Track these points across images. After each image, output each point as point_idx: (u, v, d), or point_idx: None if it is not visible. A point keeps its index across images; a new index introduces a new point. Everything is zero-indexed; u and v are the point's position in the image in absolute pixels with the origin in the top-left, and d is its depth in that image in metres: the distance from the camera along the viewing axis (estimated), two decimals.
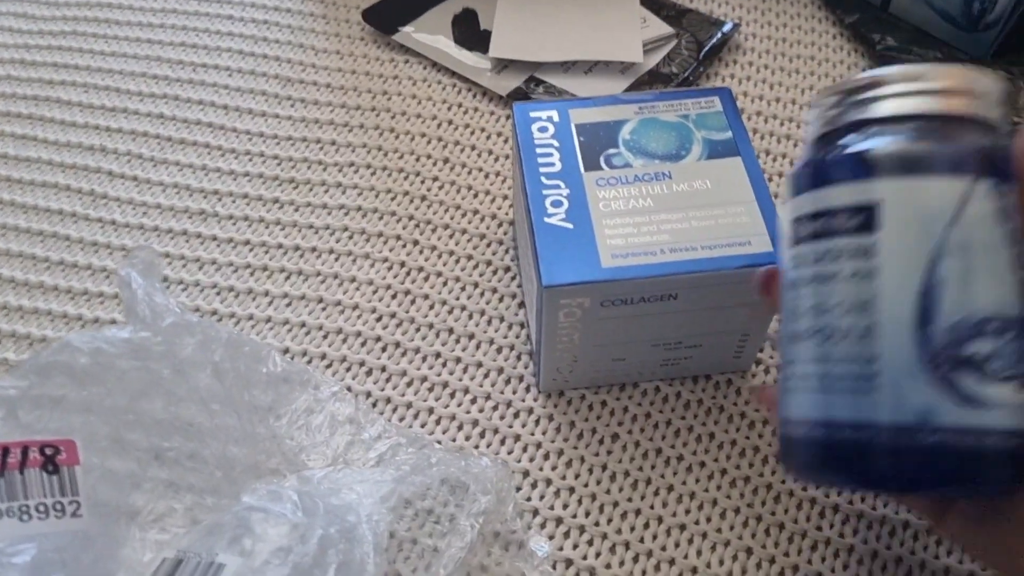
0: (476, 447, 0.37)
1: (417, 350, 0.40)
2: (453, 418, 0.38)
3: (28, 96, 0.51)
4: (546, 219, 0.33)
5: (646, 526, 0.35)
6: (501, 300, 0.41)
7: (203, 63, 0.52)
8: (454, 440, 0.37)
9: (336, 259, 0.43)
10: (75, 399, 0.31)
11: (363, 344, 0.40)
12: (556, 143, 0.36)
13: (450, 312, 0.41)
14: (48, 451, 0.29)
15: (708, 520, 0.35)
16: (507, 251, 0.43)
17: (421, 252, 0.43)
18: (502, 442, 0.37)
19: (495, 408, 0.38)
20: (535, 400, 0.38)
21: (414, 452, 0.35)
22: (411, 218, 0.44)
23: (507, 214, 0.44)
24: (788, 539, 0.34)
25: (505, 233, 0.44)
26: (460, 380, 0.39)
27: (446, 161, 0.47)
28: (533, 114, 0.37)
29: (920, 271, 0.21)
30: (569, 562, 0.34)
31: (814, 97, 0.25)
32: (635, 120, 0.36)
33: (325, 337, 0.40)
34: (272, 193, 0.46)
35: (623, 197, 0.34)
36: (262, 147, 0.48)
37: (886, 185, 0.22)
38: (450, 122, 0.49)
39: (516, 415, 0.38)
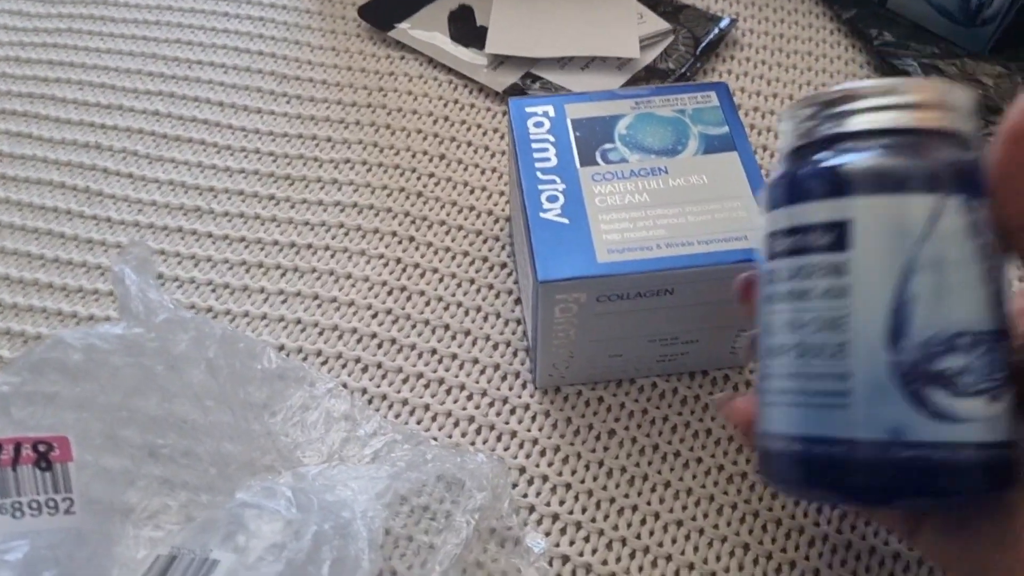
0: (472, 443, 0.37)
1: (413, 346, 0.39)
2: (449, 415, 0.37)
3: (23, 93, 0.51)
4: (541, 214, 0.33)
5: (643, 522, 0.35)
6: (497, 296, 0.41)
7: (198, 60, 0.52)
8: (450, 436, 0.37)
9: (332, 256, 0.43)
10: (68, 396, 0.30)
11: (359, 341, 0.40)
12: (552, 138, 0.35)
13: (446, 308, 0.41)
14: (41, 448, 0.29)
15: (705, 516, 0.35)
16: (503, 247, 0.43)
17: (417, 248, 0.43)
18: (498, 438, 0.37)
19: (491, 404, 0.38)
20: (531, 396, 0.38)
21: (410, 448, 0.34)
22: (407, 214, 0.44)
23: (503, 210, 0.44)
24: (785, 535, 0.34)
25: (501, 229, 0.44)
26: (456, 376, 0.39)
27: (442, 157, 0.47)
28: (529, 109, 0.36)
29: (891, 288, 0.21)
30: (565, 558, 0.34)
31: (787, 108, 0.25)
32: (631, 115, 0.36)
33: (321, 334, 0.40)
34: (268, 190, 0.46)
35: (619, 192, 0.34)
36: (257, 144, 0.48)
37: (857, 202, 0.22)
38: (446, 118, 0.48)
39: (512, 411, 0.37)
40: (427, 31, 0.52)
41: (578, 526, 0.35)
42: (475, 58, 0.51)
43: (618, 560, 0.34)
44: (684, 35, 0.52)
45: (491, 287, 0.41)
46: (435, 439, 0.37)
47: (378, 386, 0.38)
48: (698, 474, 0.36)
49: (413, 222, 0.44)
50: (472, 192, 0.45)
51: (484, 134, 0.48)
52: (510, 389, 0.38)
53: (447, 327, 0.40)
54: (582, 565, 0.34)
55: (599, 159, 0.35)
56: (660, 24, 0.52)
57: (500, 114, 0.49)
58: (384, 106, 0.49)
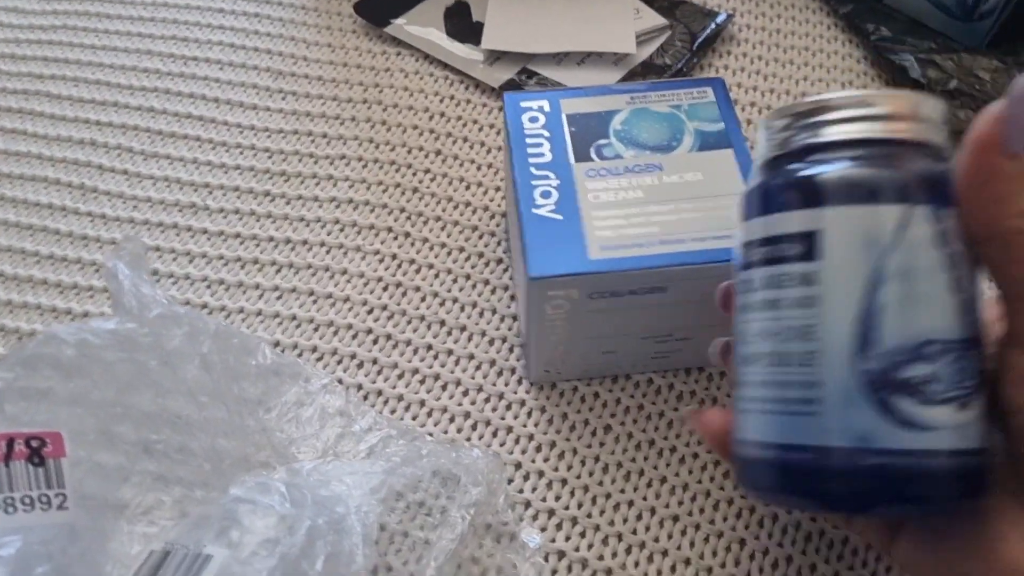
0: (468, 439, 0.37)
1: (408, 342, 0.39)
2: (445, 410, 0.37)
3: (18, 90, 0.50)
4: (534, 210, 0.33)
5: (639, 517, 0.35)
6: (493, 292, 0.41)
7: (194, 56, 0.52)
8: (446, 432, 0.37)
9: (327, 252, 0.43)
10: (61, 391, 0.30)
11: (354, 337, 0.40)
12: (547, 133, 0.35)
13: (442, 304, 0.41)
14: (34, 443, 0.29)
15: (701, 511, 0.35)
16: (499, 243, 0.43)
17: (413, 244, 0.43)
18: (494, 434, 0.37)
19: (487, 400, 0.38)
20: (527, 392, 0.38)
21: (405, 444, 0.34)
22: (403, 210, 0.44)
23: (499, 206, 0.44)
24: (782, 530, 0.34)
25: (497, 225, 0.43)
26: (452, 372, 0.38)
27: (438, 153, 0.47)
28: (524, 104, 0.36)
29: (859, 297, 0.22)
30: (561, 554, 0.34)
31: (762, 119, 0.25)
32: (627, 110, 0.36)
33: (316, 330, 0.40)
34: (263, 186, 0.45)
35: (613, 188, 0.33)
36: (253, 140, 0.48)
37: (827, 213, 0.22)
38: (442, 114, 0.48)
39: (508, 407, 0.37)
40: (423, 27, 0.52)
41: (574, 521, 0.34)
42: (471, 54, 0.51)
43: (614, 555, 0.34)
44: (680, 30, 0.51)
45: (487, 283, 0.41)
46: (431, 435, 0.37)
47: (373, 382, 0.38)
48: (694, 469, 0.36)
49: (409, 218, 0.44)
50: (468, 188, 0.45)
51: (480, 130, 0.48)
52: (506, 385, 0.38)
53: (443, 323, 0.40)
54: (578, 560, 0.33)
55: (594, 155, 0.35)
56: (656, 19, 0.52)
57: (496, 110, 0.49)
58: (380, 102, 0.49)
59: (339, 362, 0.39)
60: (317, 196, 0.45)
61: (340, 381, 0.38)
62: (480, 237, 0.43)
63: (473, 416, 0.37)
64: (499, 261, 0.42)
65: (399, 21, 0.52)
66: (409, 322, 0.40)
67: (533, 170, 0.34)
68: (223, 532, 0.28)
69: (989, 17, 0.47)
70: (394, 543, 0.33)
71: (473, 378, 0.38)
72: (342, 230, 0.43)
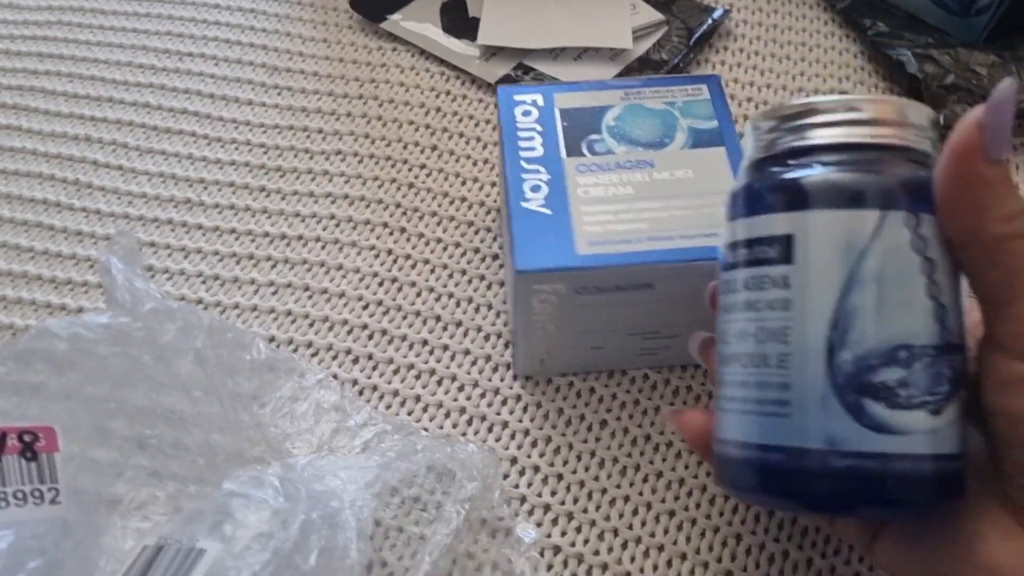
0: (463, 434, 0.36)
1: (404, 338, 0.39)
2: (440, 405, 0.37)
3: (12, 86, 0.50)
4: (523, 204, 0.33)
5: (634, 513, 0.34)
6: (489, 288, 0.41)
7: (189, 52, 0.52)
8: (441, 427, 0.37)
9: (323, 247, 0.43)
10: (54, 385, 0.30)
11: (349, 332, 0.39)
12: (539, 128, 0.35)
13: (437, 299, 0.40)
14: (26, 438, 0.29)
15: (697, 506, 0.35)
16: (495, 238, 0.43)
17: (408, 240, 0.43)
18: (490, 429, 0.37)
19: (483, 395, 0.38)
20: (523, 387, 0.38)
21: (400, 439, 0.34)
22: (398, 206, 0.44)
23: (495, 201, 0.44)
24: (778, 525, 0.34)
25: (493, 220, 0.43)
26: (447, 368, 0.38)
27: (434, 148, 0.46)
28: (517, 97, 0.36)
29: (832, 300, 0.22)
30: (557, 549, 0.34)
31: (749, 121, 0.25)
32: (620, 106, 0.36)
33: (311, 325, 0.40)
34: (259, 181, 0.45)
35: (603, 184, 0.33)
36: (248, 135, 0.47)
37: (805, 216, 0.22)
38: (438, 109, 0.48)
39: (504, 402, 0.37)
40: (419, 22, 0.52)
41: (570, 516, 0.34)
42: (467, 49, 0.50)
43: (610, 550, 0.34)
44: (677, 26, 0.51)
45: (483, 278, 0.41)
46: (426, 430, 0.36)
47: (369, 377, 0.38)
48: (690, 464, 0.36)
49: (404, 213, 0.44)
50: (464, 183, 0.45)
51: (476, 125, 0.47)
52: (501, 380, 0.38)
53: (438, 318, 0.40)
54: (574, 555, 0.33)
55: (585, 150, 0.34)
56: (653, 15, 0.52)
57: (492, 105, 0.48)
58: (376, 97, 0.49)
59: (334, 358, 0.39)
60: (313, 192, 0.45)
61: (335, 376, 0.38)
62: (476, 233, 0.43)
63: (469, 411, 0.37)
64: (495, 257, 0.42)
65: (395, 17, 0.52)
66: (405, 317, 0.40)
67: (524, 164, 0.34)
68: (216, 526, 0.27)
69: (986, 12, 0.47)
70: (389, 538, 0.33)
71: (469, 373, 0.38)
72: (338, 226, 0.43)
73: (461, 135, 0.47)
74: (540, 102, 0.36)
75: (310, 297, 0.41)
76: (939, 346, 0.22)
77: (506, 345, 0.39)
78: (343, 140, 0.47)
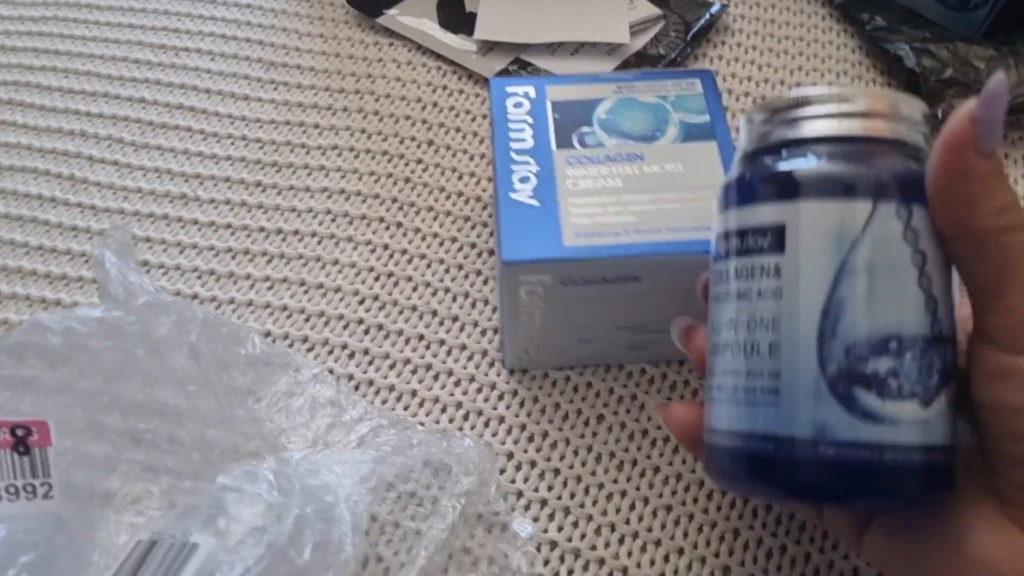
0: (460, 429, 0.36)
1: (400, 332, 0.39)
2: (437, 400, 0.37)
3: (8, 82, 0.50)
4: (512, 195, 0.33)
5: (632, 507, 0.34)
6: (485, 283, 0.41)
7: (185, 47, 0.52)
8: (437, 422, 0.36)
9: (319, 242, 0.42)
10: (47, 380, 0.30)
11: (345, 327, 0.39)
12: (530, 119, 0.35)
13: (434, 294, 0.40)
14: (19, 432, 0.28)
15: (695, 501, 0.34)
16: (491, 233, 0.42)
17: (405, 234, 0.43)
18: (486, 424, 0.36)
19: (479, 390, 0.37)
20: (519, 382, 0.37)
21: (395, 434, 0.34)
22: (395, 200, 0.44)
23: (491, 196, 0.44)
24: (776, 520, 0.34)
25: (490, 215, 0.43)
26: (443, 362, 0.38)
27: (430, 143, 0.46)
28: (509, 89, 0.36)
29: (824, 290, 0.22)
30: (554, 544, 0.33)
31: (743, 113, 0.25)
32: (612, 99, 0.36)
33: (307, 320, 0.40)
34: (254, 176, 0.45)
35: (592, 176, 0.33)
36: (244, 130, 0.47)
37: (798, 206, 0.22)
38: (435, 104, 0.48)
39: (500, 397, 0.37)
40: (416, 17, 0.52)
41: (566, 511, 0.34)
42: (464, 44, 0.50)
43: (607, 545, 0.33)
44: (675, 21, 0.51)
45: (479, 273, 0.41)
46: (422, 424, 0.36)
47: (365, 372, 0.38)
48: (688, 459, 0.35)
49: (401, 208, 0.44)
50: (460, 178, 0.45)
51: (473, 120, 0.47)
52: (498, 375, 0.38)
53: (435, 313, 0.40)
54: (570, 551, 0.33)
55: (576, 142, 0.34)
56: (650, 9, 0.51)
57: (489, 100, 0.48)
58: (372, 92, 0.49)
59: (330, 352, 0.39)
60: (309, 186, 0.45)
61: (331, 371, 0.38)
62: (473, 227, 0.43)
63: (465, 406, 0.37)
64: (491, 252, 0.42)
65: (392, 12, 0.52)
66: (401, 312, 0.40)
67: (513, 155, 0.34)
68: (210, 521, 0.27)
69: (984, 6, 0.47)
70: (385, 533, 0.33)
71: (465, 368, 0.38)
72: (334, 220, 0.43)
73: (458, 130, 0.47)
74: (532, 94, 0.36)
75: (306, 292, 0.41)
76: (930, 337, 0.22)
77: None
78: (339, 135, 0.47)
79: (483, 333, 0.39)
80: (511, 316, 0.34)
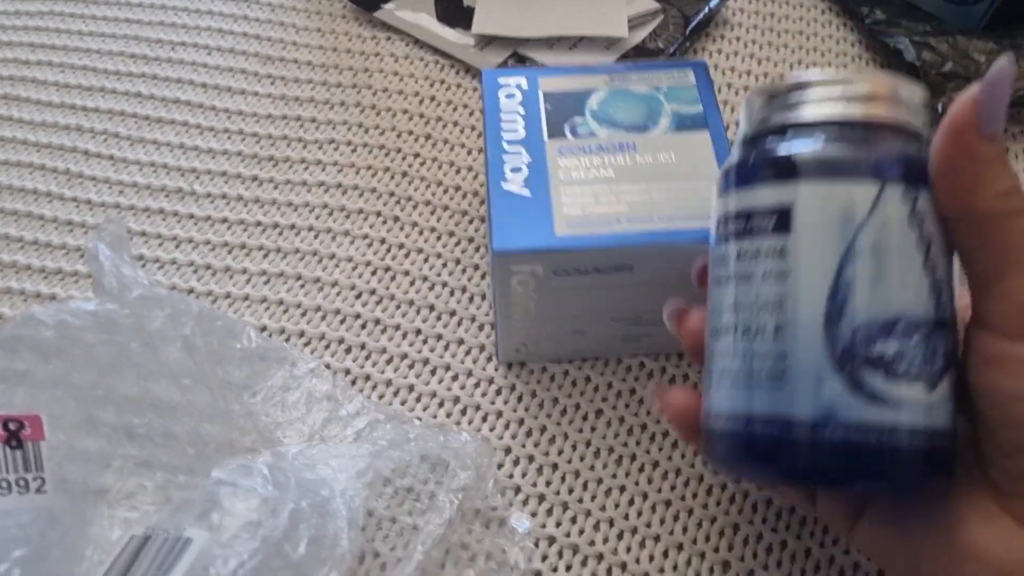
0: (457, 423, 0.36)
1: (397, 327, 0.39)
2: (434, 395, 0.37)
3: (3, 76, 0.50)
4: (503, 184, 0.32)
5: (631, 502, 0.34)
6: (483, 277, 0.40)
7: (181, 41, 0.51)
8: (435, 417, 0.36)
9: (315, 236, 0.42)
10: (40, 373, 0.30)
11: (342, 321, 0.39)
12: (522, 110, 0.35)
13: (431, 288, 0.40)
14: (12, 426, 0.28)
15: (694, 496, 0.34)
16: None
17: (402, 229, 0.42)
18: (484, 418, 0.36)
19: (477, 385, 0.37)
20: (517, 376, 0.37)
21: (392, 428, 0.34)
22: (392, 194, 0.44)
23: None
24: (776, 515, 0.34)
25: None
26: (441, 357, 0.38)
27: (428, 137, 0.46)
28: (501, 80, 0.36)
29: (830, 272, 0.22)
30: (552, 539, 0.33)
31: (745, 96, 0.25)
32: (604, 90, 0.36)
33: (303, 314, 0.39)
34: (251, 171, 0.45)
35: (584, 166, 0.33)
36: (241, 125, 0.47)
37: (803, 187, 0.22)
38: (432, 98, 0.48)
39: (499, 391, 0.37)
40: (413, 12, 0.51)
41: (565, 506, 0.34)
42: (462, 39, 0.50)
43: (605, 540, 0.33)
44: (674, 14, 0.51)
45: (476, 267, 0.41)
46: (419, 419, 0.36)
47: (361, 367, 0.38)
48: (687, 454, 0.35)
49: (398, 202, 0.43)
50: (458, 172, 0.44)
51: (471, 114, 0.47)
52: (496, 370, 0.37)
53: (432, 307, 0.39)
54: (569, 546, 0.33)
55: (568, 133, 0.34)
56: (649, 3, 0.51)
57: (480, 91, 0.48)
58: (369, 87, 0.49)
59: (327, 347, 0.38)
60: (306, 181, 0.44)
61: (327, 366, 0.37)
62: (471, 222, 0.42)
63: (463, 401, 0.37)
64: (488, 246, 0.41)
65: (389, 6, 0.52)
66: (398, 307, 0.39)
67: (505, 146, 0.34)
68: (204, 515, 0.27)
69: (984, 0, 0.47)
70: (381, 529, 0.33)
71: (463, 363, 0.38)
72: (331, 215, 0.43)
73: (455, 124, 0.47)
74: (524, 85, 0.36)
75: (302, 286, 0.40)
76: (934, 322, 0.22)
77: None
78: (336, 129, 0.47)
79: (481, 328, 0.39)
80: (504, 308, 0.33)
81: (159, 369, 0.31)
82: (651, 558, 0.33)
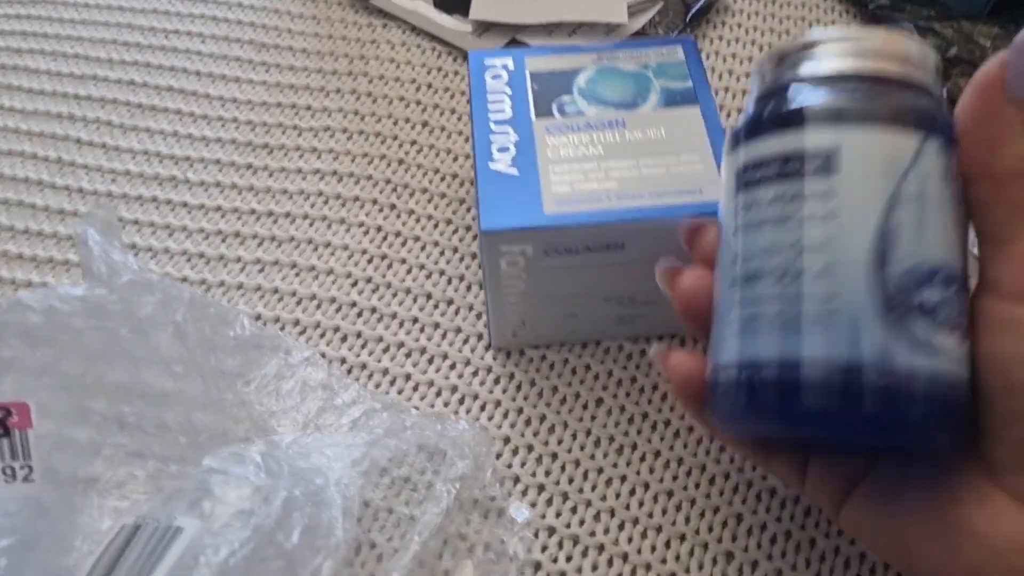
0: (455, 413, 0.35)
1: (394, 315, 0.38)
2: (431, 384, 0.36)
3: None
4: (491, 164, 0.32)
5: (632, 492, 0.33)
6: (481, 265, 0.40)
7: (175, 29, 0.51)
8: (432, 406, 0.36)
9: (310, 224, 0.41)
10: (29, 360, 0.29)
11: (338, 310, 0.38)
12: (508, 90, 0.35)
13: (428, 276, 0.39)
14: None
15: (696, 486, 0.33)
16: None
17: (398, 216, 0.42)
18: (482, 408, 0.35)
19: (475, 374, 0.36)
20: (516, 365, 0.36)
21: (388, 417, 0.33)
22: (388, 182, 0.43)
23: None
24: (780, 504, 0.33)
25: None
26: (438, 346, 0.37)
27: (424, 125, 0.45)
28: (488, 61, 0.36)
29: (877, 215, 0.22)
30: (552, 530, 0.32)
31: (780, 45, 0.25)
32: (592, 68, 0.35)
33: (299, 303, 0.39)
34: (245, 159, 0.44)
35: (573, 144, 0.33)
36: (235, 112, 0.46)
37: (848, 131, 0.22)
38: (429, 85, 0.47)
39: (497, 380, 0.36)
40: None
41: (565, 497, 0.33)
42: (459, 25, 0.49)
43: (606, 531, 0.32)
44: (674, 1, 0.50)
45: (474, 256, 0.40)
46: (416, 409, 0.35)
47: (358, 356, 0.37)
48: (689, 443, 0.34)
49: (395, 190, 0.43)
50: (456, 159, 0.44)
51: (468, 102, 0.46)
52: (494, 358, 0.37)
53: (429, 296, 0.39)
54: (569, 536, 0.32)
55: (555, 111, 0.34)
56: None
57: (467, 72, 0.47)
58: (366, 74, 0.48)
59: (322, 335, 0.38)
60: (300, 168, 0.44)
61: (323, 354, 0.37)
62: (468, 210, 0.42)
63: (461, 390, 0.36)
64: None
65: None
66: (395, 295, 0.39)
67: (492, 126, 0.33)
68: (195, 504, 0.26)
69: None
70: (378, 519, 0.32)
71: (460, 351, 0.37)
72: (326, 202, 0.42)
73: (453, 111, 0.46)
74: (511, 66, 0.36)
75: (297, 275, 0.40)
76: (961, 277, 0.22)
77: None
78: (332, 117, 0.46)
79: (478, 316, 0.38)
80: (494, 291, 0.33)
81: (150, 356, 0.31)
82: (653, 549, 0.32)
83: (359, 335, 0.38)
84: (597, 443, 0.34)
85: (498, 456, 0.34)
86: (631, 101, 0.34)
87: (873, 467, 0.26)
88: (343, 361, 0.37)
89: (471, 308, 0.38)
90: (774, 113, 0.24)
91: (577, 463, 0.34)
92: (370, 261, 0.40)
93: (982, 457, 0.22)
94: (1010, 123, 0.21)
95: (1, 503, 0.27)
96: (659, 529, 0.33)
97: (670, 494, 0.33)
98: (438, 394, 0.36)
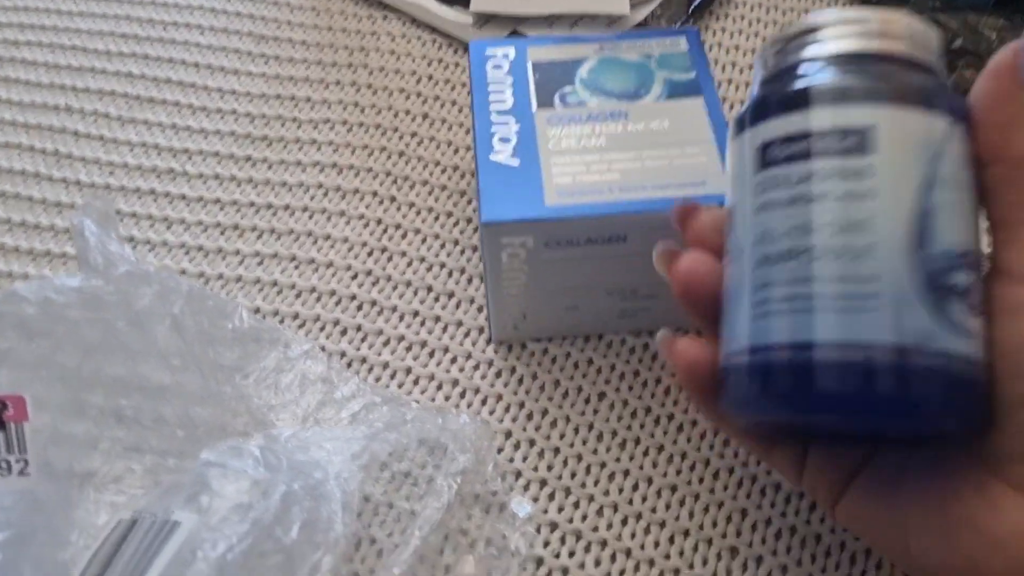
0: (456, 407, 0.35)
1: (394, 308, 0.38)
2: (432, 378, 0.36)
3: None
4: (491, 156, 0.32)
5: (635, 487, 0.33)
6: (482, 258, 0.39)
7: (173, 21, 0.50)
8: (433, 400, 0.35)
9: (310, 216, 0.41)
10: (24, 353, 0.29)
11: (337, 303, 0.38)
12: (510, 80, 0.34)
13: (429, 270, 0.39)
14: None
15: (700, 481, 0.33)
16: None
17: (399, 209, 0.41)
18: (483, 402, 0.35)
19: (476, 367, 0.36)
20: (518, 359, 0.36)
21: (389, 411, 0.33)
22: (388, 174, 0.42)
23: None
24: (785, 500, 0.33)
25: None
26: (439, 339, 0.37)
27: (425, 116, 0.45)
28: (489, 51, 0.35)
29: (913, 196, 0.21)
30: (554, 525, 0.32)
31: (809, 18, 0.24)
32: (595, 59, 0.35)
33: (298, 296, 0.38)
34: (244, 151, 0.44)
35: (575, 135, 0.32)
36: (234, 104, 0.46)
37: (883, 110, 0.22)
38: (430, 77, 0.47)
39: (498, 374, 0.36)
40: None
41: (567, 491, 0.33)
42: (460, 17, 0.49)
43: (609, 526, 0.32)
44: None
45: (475, 249, 0.40)
46: (417, 402, 0.35)
47: (358, 349, 0.37)
48: (692, 437, 0.34)
49: (395, 182, 0.42)
50: (456, 152, 0.43)
51: (470, 93, 0.46)
52: (495, 352, 0.36)
53: (430, 288, 0.38)
54: (571, 531, 0.32)
55: (557, 102, 0.33)
56: None
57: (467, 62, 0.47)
58: (366, 66, 0.47)
59: (322, 329, 0.37)
60: (300, 160, 0.43)
61: (323, 348, 0.36)
62: (469, 202, 0.41)
63: (462, 383, 0.36)
64: None
65: None
66: (395, 288, 0.38)
67: (493, 116, 0.33)
68: (193, 498, 0.26)
69: None
70: (378, 514, 0.32)
71: (462, 344, 0.37)
72: (326, 195, 0.42)
73: (454, 103, 0.45)
74: (512, 55, 0.35)
75: (297, 267, 0.39)
76: (980, 263, 0.22)
77: None
78: (332, 109, 0.45)
79: (480, 309, 0.38)
80: (495, 283, 0.32)
81: (147, 349, 0.30)
82: (656, 544, 0.32)
83: (359, 328, 0.37)
84: (599, 437, 0.34)
85: (499, 450, 0.34)
86: (634, 92, 0.34)
87: (871, 459, 0.25)
88: (343, 354, 0.36)
89: (472, 301, 0.38)
90: (799, 91, 0.23)
91: (579, 457, 0.34)
92: (370, 254, 0.40)
93: (981, 447, 0.22)
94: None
95: None
96: (663, 524, 0.32)
97: (674, 489, 0.33)
98: (439, 388, 0.36)
